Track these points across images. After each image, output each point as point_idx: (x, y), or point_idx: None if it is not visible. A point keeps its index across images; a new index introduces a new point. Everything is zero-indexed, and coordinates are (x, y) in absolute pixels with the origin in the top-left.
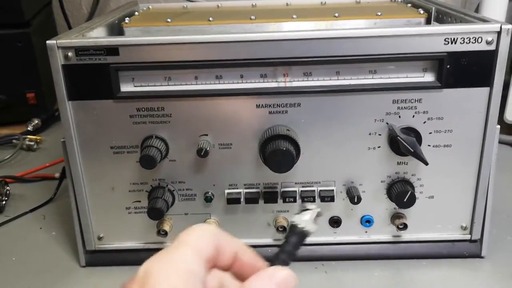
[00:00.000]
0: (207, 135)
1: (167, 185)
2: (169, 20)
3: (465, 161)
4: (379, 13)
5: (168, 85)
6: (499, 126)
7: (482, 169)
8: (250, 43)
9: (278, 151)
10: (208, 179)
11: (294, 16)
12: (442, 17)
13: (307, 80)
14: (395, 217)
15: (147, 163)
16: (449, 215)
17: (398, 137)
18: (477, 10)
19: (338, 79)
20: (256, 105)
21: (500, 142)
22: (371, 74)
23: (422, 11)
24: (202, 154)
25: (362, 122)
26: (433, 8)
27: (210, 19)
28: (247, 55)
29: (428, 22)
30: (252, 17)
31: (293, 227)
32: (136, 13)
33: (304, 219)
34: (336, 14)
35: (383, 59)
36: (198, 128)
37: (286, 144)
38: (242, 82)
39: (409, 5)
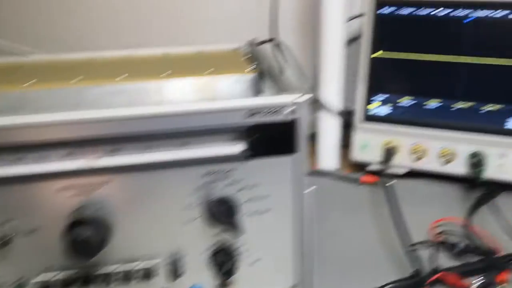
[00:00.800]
0: (7, 223)
1: None
2: None
3: (284, 223)
4: (208, 71)
5: None
6: (314, 187)
7: (301, 229)
8: (52, 124)
9: (80, 238)
10: (15, 269)
11: (117, 79)
12: (268, 74)
13: (115, 158)
14: (224, 285)
15: None
16: (277, 276)
17: (210, 210)
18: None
19: (147, 156)
20: (60, 187)
21: (348, 180)
22: (180, 148)
23: (251, 68)
24: (1, 244)
25: (177, 196)
26: (261, 64)
27: (31, 81)
28: (48, 136)
29: (259, 77)
30: (79, 78)
31: None
32: None
33: None
34: (169, 72)
35: (191, 134)
36: None
37: (90, 228)
38: (43, 164)
39: (246, 56)
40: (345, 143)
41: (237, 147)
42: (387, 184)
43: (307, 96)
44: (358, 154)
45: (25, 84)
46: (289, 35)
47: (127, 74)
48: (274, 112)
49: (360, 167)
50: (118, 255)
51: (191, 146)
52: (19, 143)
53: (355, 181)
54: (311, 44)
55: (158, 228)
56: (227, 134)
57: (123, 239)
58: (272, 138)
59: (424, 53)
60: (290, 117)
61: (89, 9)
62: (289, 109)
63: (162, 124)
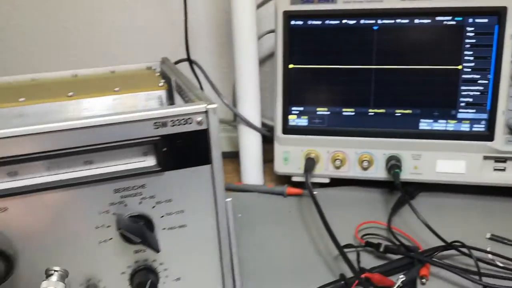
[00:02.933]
0: None
1: None
2: None
3: (203, 237)
4: (117, 89)
5: None
6: (230, 199)
7: (221, 243)
8: None
9: None
10: None
11: (21, 99)
12: (179, 89)
13: (12, 181)
14: None
15: None
16: None
17: (121, 230)
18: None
19: (49, 175)
20: None
21: (274, 193)
22: (87, 165)
23: (162, 83)
24: None
25: (86, 217)
26: (173, 79)
27: None
28: None
29: (170, 94)
30: None
31: None
32: None
33: (53, 281)
34: (70, 93)
35: (97, 149)
36: None
37: None
38: None
39: (158, 74)
40: (267, 158)
41: (149, 161)
42: (314, 192)
43: (215, 105)
44: (280, 166)
45: None
46: (206, 56)
47: (24, 99)
48: (184, 122)
49: (285, 180)
50: (26, 285)
51: (100, 162)
52: None
53: (281, 193)
54: (228, 64)
55: (70, 251)
56: (137, 147)
57: (31, 266)
58: (184, 149)
59: (335, 63)
60: (201, 126)
61: None
62: (199, 118)
63: (67, 140)
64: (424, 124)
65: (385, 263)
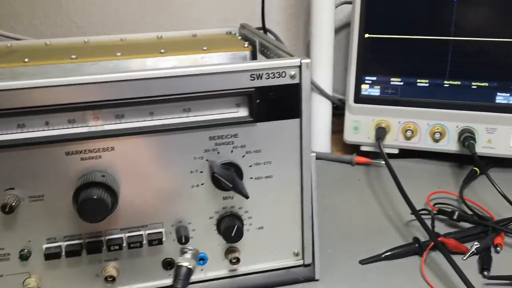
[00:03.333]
0: (13, 188)
1: None
2: None
3: (287, 189)
4: (205, 48)
5: None
6: (314, 153)
7: (304, 196)
8: (54, 88)
9: (90, 200)
10: (22, 235)
11: (118, 54)
12: (264, 50)
13: (120, 123)
14: (228, 251)
15: None
16: (280, 243)
17: (216, 174)
18: (308, 45)
19: (152, 120)
20: (66, 152)
21: (342, 161)
22: (186, 112)
23: (247, 45)
24: (6, 210)
25: (182, 161)
26: (257, 41)
27: (26, 60)
28: (51, 101)
29: (253, 55)
30: (73, 56)
31: (179, 267)
32: None
33: (187, 258)
34: (162, 51)
35: (196, 97)
36: (1, 182)
37: (98, 191)
38: (48, 129)
39: (240, 37)
40: (334, 129)
41: (241, 112)
42: (384, 161)
43: (309, 60)
44: (350, 135)
45: (20, 62)
46: (272, 28)
47: (121, 53)
48: (278, 75)
49: (350, 150)
50: (123, 222)
51: (197, 110)
52: (24, 107)
53: (350, 162)
54: (295, 36)
55: (164, 193)
56: (231, 98)
57: (128, 204)
58: (276, 102)
59: (412, 33)
60: (293, 80)
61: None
62: (293, 72)
63: (168, 87)
64: (501, 98)
65: (458, 230)
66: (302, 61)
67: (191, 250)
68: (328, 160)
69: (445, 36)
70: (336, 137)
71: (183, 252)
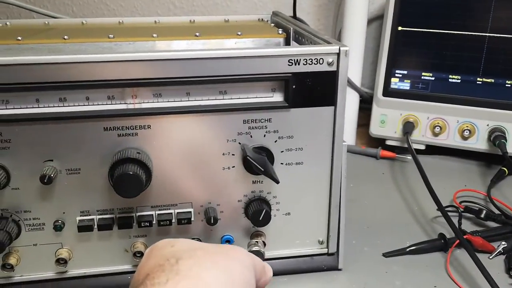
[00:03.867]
0: (52, 160)
1: (11, 215)
2: (19, 38)
3: (317, 177)
4: (240, 33)
5: (6, 108)
6: (346, 143)
7: (333, 185)
8: (96, 64)
9: (126, 175)
10: (57, 206)
11: (154, 35)
12: (298, 37)
13: (157, 102)
14: (254, 235)
15: None
16: (306, 230)
17: (248, 157)
18: (340, 34)
19: (188, 100)
20: (104, 128)
21: (366, 154)
22: (222, 94)
23: (281, 31)
24: (45, 181)
25: (215, 143)
26: (291, 28)
27: (65, 37)
28: (92, 76)
29: (287, 42)
30: (111, 35)
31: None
32: None
33: (260, 245)
34: (197, 34)
35: (232, 80)
36: (41, 153)
37: (134, 168)
38: (88, 105)
39: (273, 25)
40: (358, 122)
41: (276, 97)
42: (408, 157)
43: (347, 48)
44: (376, 128)
45: (59, 39)
46: (302, 17)
47: (157, 35)
48: (316, 61)
49: (374, 144)
50: (154, 200)
51: (233, 93)
52: (66, 82)
53: (374, 156)
54: (324, 26)
55: (196, 174)
56: (267, 83)
57: (160, 183)
58: (311, 89)
59: (446, 28)
60: (331, 67)
61: None
62: (331, 59)
63: (204, 69)
64: None
65: (485, 229)
66: (341, 48)
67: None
68: (353, 152)
69: (481, 32)
70: (361, 131)
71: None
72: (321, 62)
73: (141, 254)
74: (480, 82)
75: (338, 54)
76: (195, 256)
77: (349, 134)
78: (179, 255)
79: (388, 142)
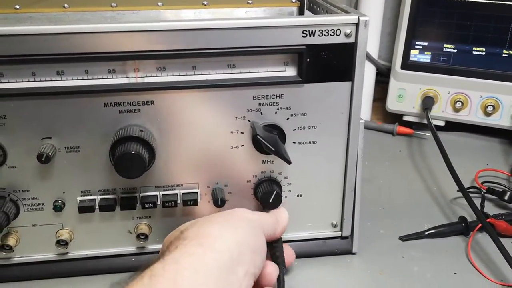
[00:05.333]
0: (50, 138)
1: (8, 195)
2: (17, 6)
3: (331, 157)
4: (250, 1)
5: (0, 82)
6: (363, 120)
7: (348, 166)
8: (95, 34)
9: (127, 155)
10: (57, 186)
11: (160, 4)
12: (313, 6)
13: (161, 76)
14: None
15: None
16: (319, 213)
17: (258, 136)
18: (357, 3)
19: (194, 74)
20: (104, 103)
21: (382, 130)
22: (230, 68)
23: (294, 0)
24: (43, 159)
25: (223, 120)
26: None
27: (66, 5)
28: (92, 48)
29: (301, 11)
30: (113, 4)
31: None
32: None
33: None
34: (205, 2)
35: (242, 53)
36: (39, 130)
37: (136, 146)
38: (87, 79)
39: None
40: (374, 96)
41: (289, 71)
42: (427, 134)
43: (367, 17)
44: (394, 103)
45: (59, 8)
46: None
47: (162, 3)
48: (333, 33)
49: (390, 119)
50: (158, 180)
51: (242, 67)
52: (63, 54)
53: (391, 132)
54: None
55: (202, 153)
56: (279, 56)
57: (165, 162)
58: (327, 62)
59: None
60: (348, 39)
61: None
62: (348, 30)
63: (211, 41)
64: None
65: (508, 212)
66: (360, 18)
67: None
68: (368, 128)
69: (509, 1)
70: (376, 105)
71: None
72: (338, 34)
73: (145, 236)
74: (506, 55)
75: (357, 25)
76: (197, 222)
77: (364, 109)
78: (184, 228)
79: (406, 118)
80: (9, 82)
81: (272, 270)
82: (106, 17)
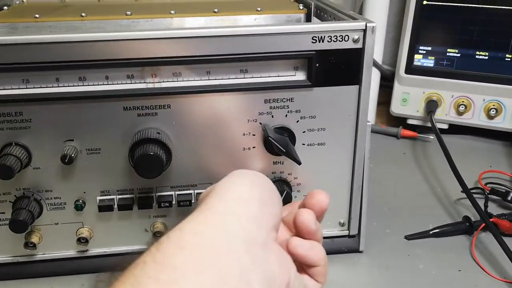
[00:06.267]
0: (72, 140)
1: (32, 195)
2: (37, 15)
3: (339, 158)
4: (259, 9)
5: (26, 88)
6: (370, 123)
7: (355, 166)
8: (115, 42)
9: (146, 156)
10: (78, 186)
11: (172, 12)
12: (320, 13)
13: (177, 81)
14: None
15: (2, 173)
16: (327, 212)
17: (270, 138)
18: (361, 8)
19: (208, 79)
20: (124, 107)
21: (387, 134)
22: (242, 73)
23: (302, 7)
24: (66, 161)
25: (236, 123)
26: (313, 3)
27: (83, 14)
28: (112, 55)
29: (308, 17)
30: (128, 12)
31: None
32: (5, 7)
33: None
34: (216, 10)
35: (253, 58)
36: (62, 133)
37: (154, 148)
38: (108, 84)
39: (292, 0)
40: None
41: (299, 76)
42: (430, 136)
43: (375, 24)
44: (398, 107)
45: (77, 17)
46: None
47: (175, 11)
48: (341, 38)
49: (394, 123)
50: (174, 180)
51: (254, 72)
52: (85, 61)
53: (395, 135)
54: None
55: (215, 154)
56: (289, 61)
57: (180, 163)
58: (336, 67)
59: (474, 2)
60: (356, 45)
61: None
62: (356, 36)
63: (224, 47)
64: None
65: (511, 212)
66: (368, 24)
67: None
68: (373, 132)
69: (511, 6)
70: (380, 109)
71: None
72: (346, 39)
73: (161, 234)
74: (509, 59)
75: (365, 31)
76: (214, 188)
77: (369, 112)
78: (202, 197)
79: (410, 121)
80: (34, 87)
81: (304, 217)
82: (122, 25)
